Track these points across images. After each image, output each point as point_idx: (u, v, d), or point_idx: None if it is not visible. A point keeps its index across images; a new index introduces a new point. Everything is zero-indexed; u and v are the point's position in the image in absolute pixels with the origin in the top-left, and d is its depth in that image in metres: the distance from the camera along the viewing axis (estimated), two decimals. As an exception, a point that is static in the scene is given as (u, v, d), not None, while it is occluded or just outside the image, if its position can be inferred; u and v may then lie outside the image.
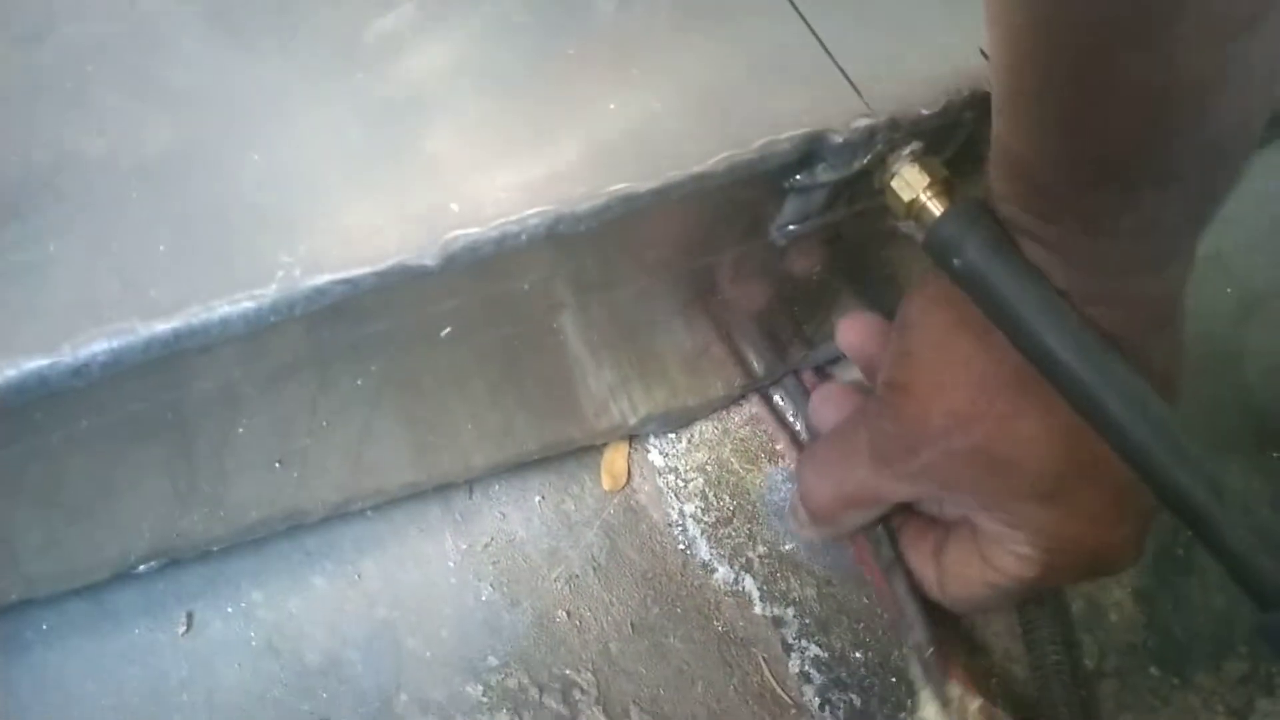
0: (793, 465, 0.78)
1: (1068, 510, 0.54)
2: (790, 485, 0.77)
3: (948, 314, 0.54)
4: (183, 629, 0.65)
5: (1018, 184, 0.47)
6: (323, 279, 0.43)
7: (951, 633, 0.73)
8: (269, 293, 0.42)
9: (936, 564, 0.63)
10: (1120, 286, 0.49)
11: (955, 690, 0.70)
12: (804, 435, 0.78)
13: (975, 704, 0.69)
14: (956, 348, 0.53)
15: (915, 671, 0.71)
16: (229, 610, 0.66)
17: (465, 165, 0.47)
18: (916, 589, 0.70)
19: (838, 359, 0.81)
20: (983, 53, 0.54)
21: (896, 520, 0.67)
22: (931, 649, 0.70)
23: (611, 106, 0.49)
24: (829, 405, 0.68)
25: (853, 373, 0.80)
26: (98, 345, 0.40)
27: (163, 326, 0.41)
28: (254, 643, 0.66)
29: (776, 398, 0.80)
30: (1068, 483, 0.53)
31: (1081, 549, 0.55)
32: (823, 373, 0.81)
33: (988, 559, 0.57)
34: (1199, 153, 0.42)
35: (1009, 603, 0.59)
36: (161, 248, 0.42)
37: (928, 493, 0.59)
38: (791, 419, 0.79)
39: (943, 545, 0.62)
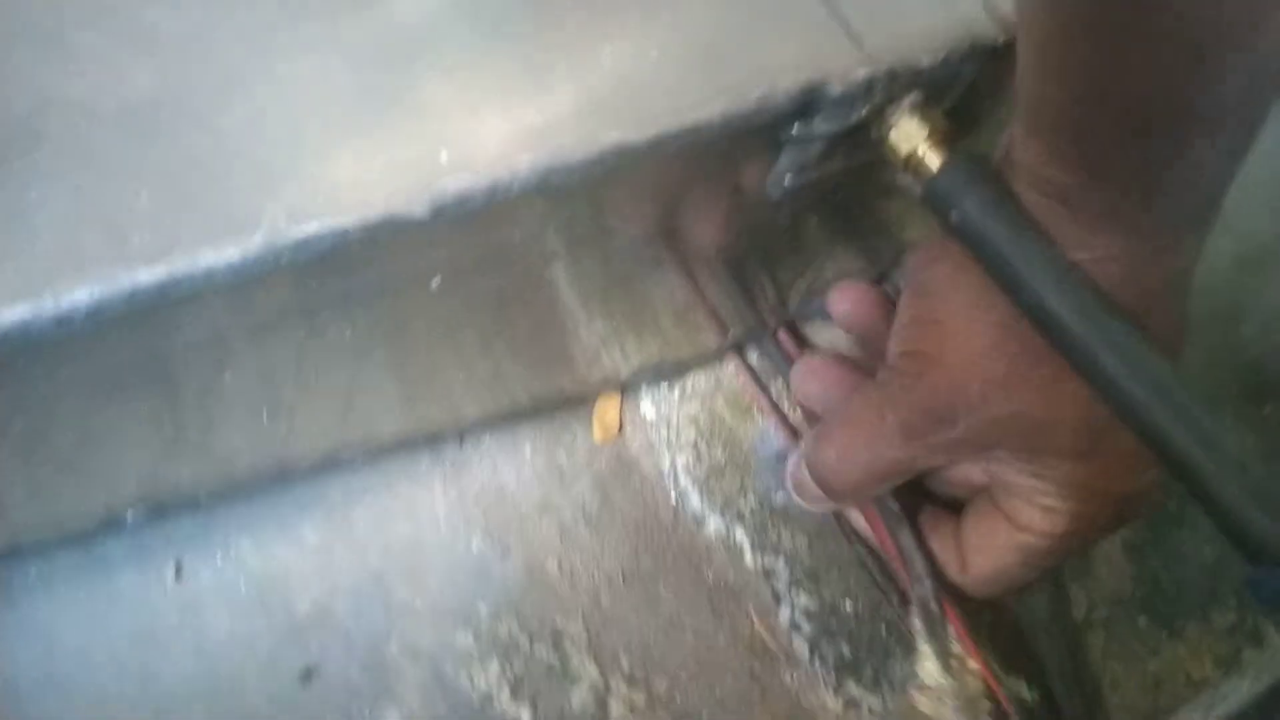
0: (791, 415, 0.77)
1: (1100, 461, 0.53)
2: (783, 435, 0.77)
3: (976, 279, 0.52)
4: (172, 577, 0.65)
5: (1053, 139, 0.45)
6: (309, 228, 0.42)
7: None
8: (254, 242, 0.41)
9: (957, 543, 0.62)
10: (1150, 252, 0.48)
11: (956, 646, 0.70)
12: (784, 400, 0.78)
13: (972, 665, 0.69)
14: (990, 313, 0.52)
15: (917, 625, 0.71)
16: (218, 559, 0.66)
17: (456, 113, 0.46)
18: (924, 543, 0.70)
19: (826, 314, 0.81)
20: (984, 4, 0.53)
21: (909, 506, 0.67)
22: (935, 602, 0.70)
23: (607, 54, 0.48)
24: (814, 380, 0.67)
25: (826, 335, 0.80)
26: (80, 294, 0.39)
27: (146, 275, 0.40)
28: (243, 591, 0.66)
29: (771, 349, 0.79)
30: (1104, 435, 0.52)
31: (1109, 497, 0.54)
32: (798, 334, 0.80)
33: (1014, 518, 0.56)
34: (1249, 82, 0.40)
35: (1037, 571, 0.58)
36: (144, 195, 0.41)
37: (964, 458, 0.57)
38: (786, 370, 0.79)
39: (962, 524, 0.61)
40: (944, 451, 0.56)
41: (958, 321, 0.54)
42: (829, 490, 0.62)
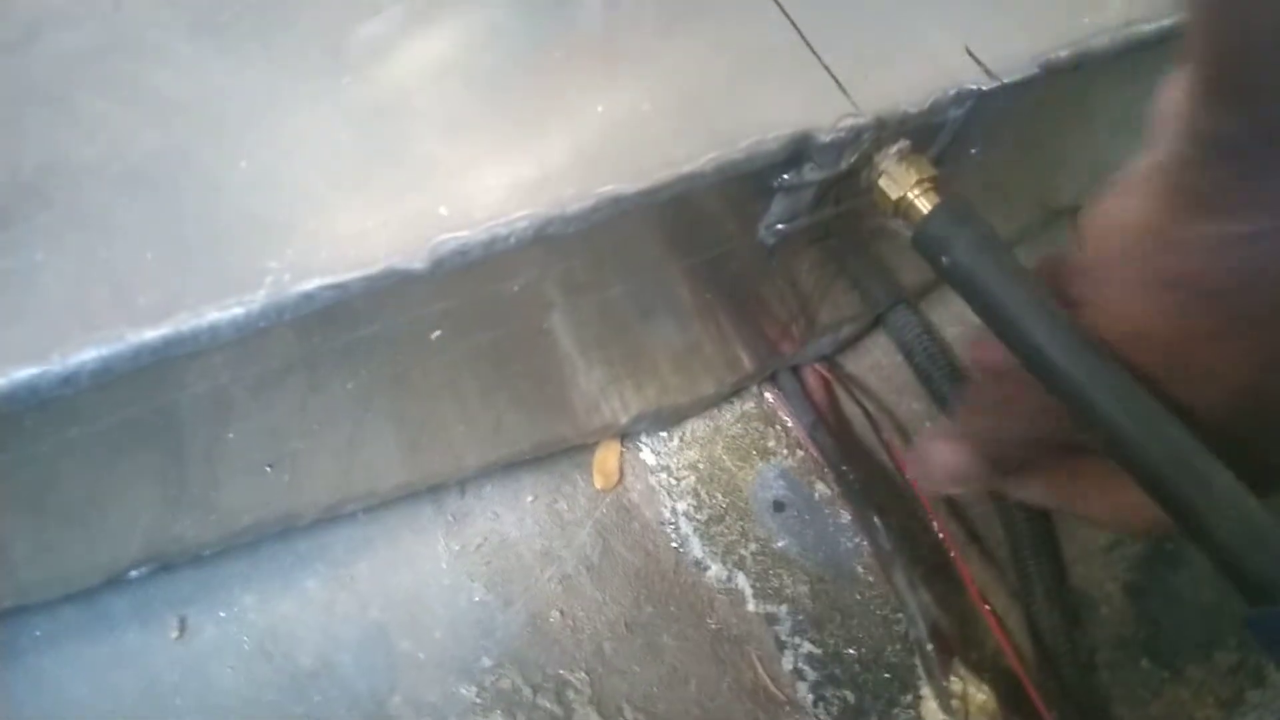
0: (789, 460, 0.78)
1: None
2: (782, 481, 0.77)
3: None
4: (175, 633, 0.65)
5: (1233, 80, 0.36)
6: (312, 284, 0.43)
7: (951, 626, 0.73)
8: (258, 298, 0.42)
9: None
10: None
11: (957, 685, 0.70)
12: (795, 430, 0.79)
13: (979, 698, 0.69)
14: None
15: (917, 667, 0.72)
16: (221, 614, 0.66)
17: (454, 167, 0.47)
18: (917, 583, 0.70)
19: (826, 356, 0.82)
20: (969, 51, 0.54)
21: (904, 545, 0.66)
22: (932, 644, 0.71)
23: (599, 108, 0.49)
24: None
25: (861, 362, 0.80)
26: (87, 353, 0.40)
27: (152, 334, 0.41)
28: (247, 646, 0.66)
29: (768, 395, 0.80)
30: None
31: None
32: (819, 371, 0.81)
33: None
34: None
35: None
36: (150, 254, 0.42)
37: None
38: (784, 415, 0.79)
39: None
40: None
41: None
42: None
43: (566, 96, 0.49)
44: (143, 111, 0.46)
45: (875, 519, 0.75)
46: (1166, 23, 0.58)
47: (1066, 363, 0.50)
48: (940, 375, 0.79)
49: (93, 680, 0.63)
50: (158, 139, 0.45)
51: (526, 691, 0.68)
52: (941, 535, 0.75)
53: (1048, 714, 0.69)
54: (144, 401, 0.45)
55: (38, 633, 0.63)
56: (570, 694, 0.68)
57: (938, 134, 0.56)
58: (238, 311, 0.42)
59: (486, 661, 0.68)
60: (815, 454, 0.78)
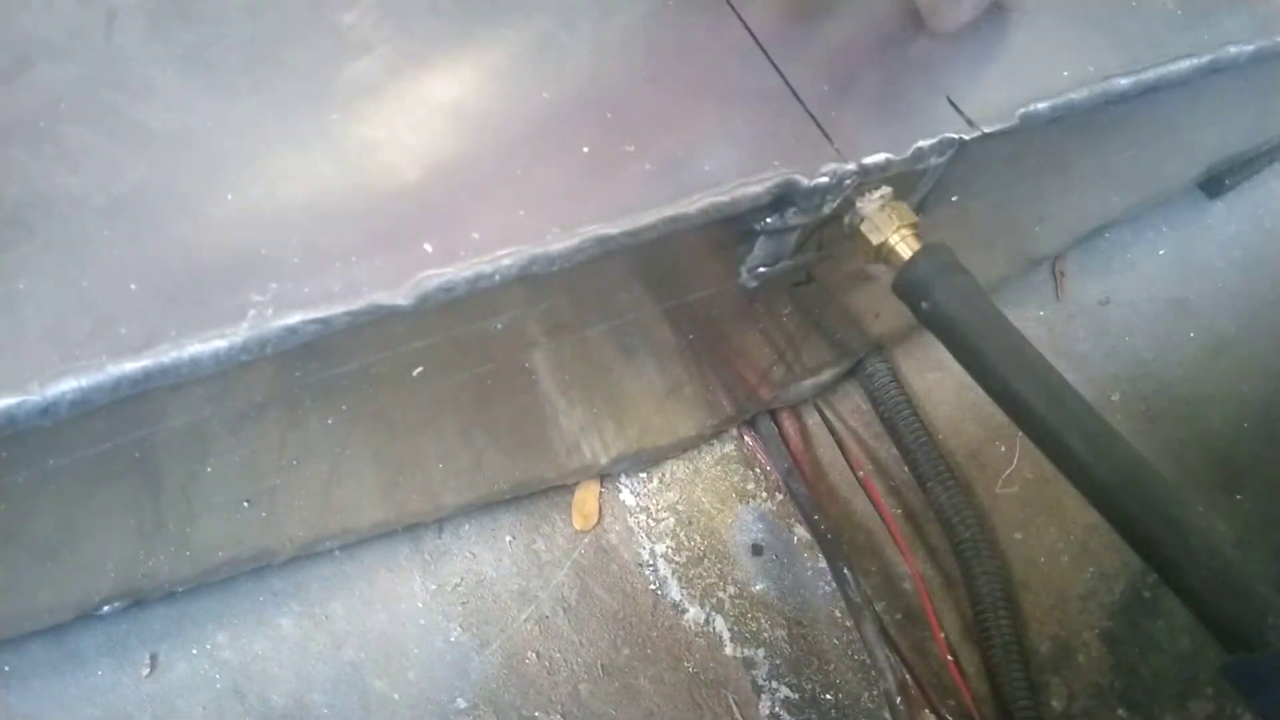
0: (768, 503, 0.78)
1: None
2: (761, 525, 0.77)
3: None
4: (146, 670, 0.64)
5: None
6: (294, 318, 0.43)
7: (922, 677, 0.73)
8: (240, 331, 0.42)
9: None
10: None
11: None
12: (774, 475, 0.79)
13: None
14: None
15: (888, 718, 0.72)
16: (193, 652, 0.65)
17: (439, 205, 0.47)
18: (886, 634, 0.70)
19: (807, 399, 0.82)
20: (950, 101, 0.55)
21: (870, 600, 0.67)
22: (900, 697, 0.71)
23: (585, 149, 0.50)
24: None
25: (848, 404, 0.81)
26: (66, 383, 0.40)
27: (133, 365, 0.40)
28: (219, 685, 0.65)
29: (747, 438, 0.80)
30: None
31: None
32: (798, 415, 0.82)
33: None
34: None
35: None
36: (133, 285, 0.42)
37: None
38: (763, 458, 0.79)
39: None
40: None
41: None
42: None
43: (552, 137, 0.50)
44: (129, 144, 0.46)
45: (845, 570, 0.75)
46: (1144, 77, 0.59)
47: (1045, 411, 0.50)
48: (904, 426, 0.79)
49: (61, 717, 0.62)
50: (143, 171, 0.45)
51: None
52: (916, 583, 0.75)
53: None
54: (123, 434, 0.44)
55: (5, 668, 0.62)
56: (547, 735, 0.68)
57: (919, 181, 0.56)
58: (219, 344, 0.41)
59: (461, 703, 0.68)
60: (790, 501, 0.78)
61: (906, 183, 0.56)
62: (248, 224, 0.45)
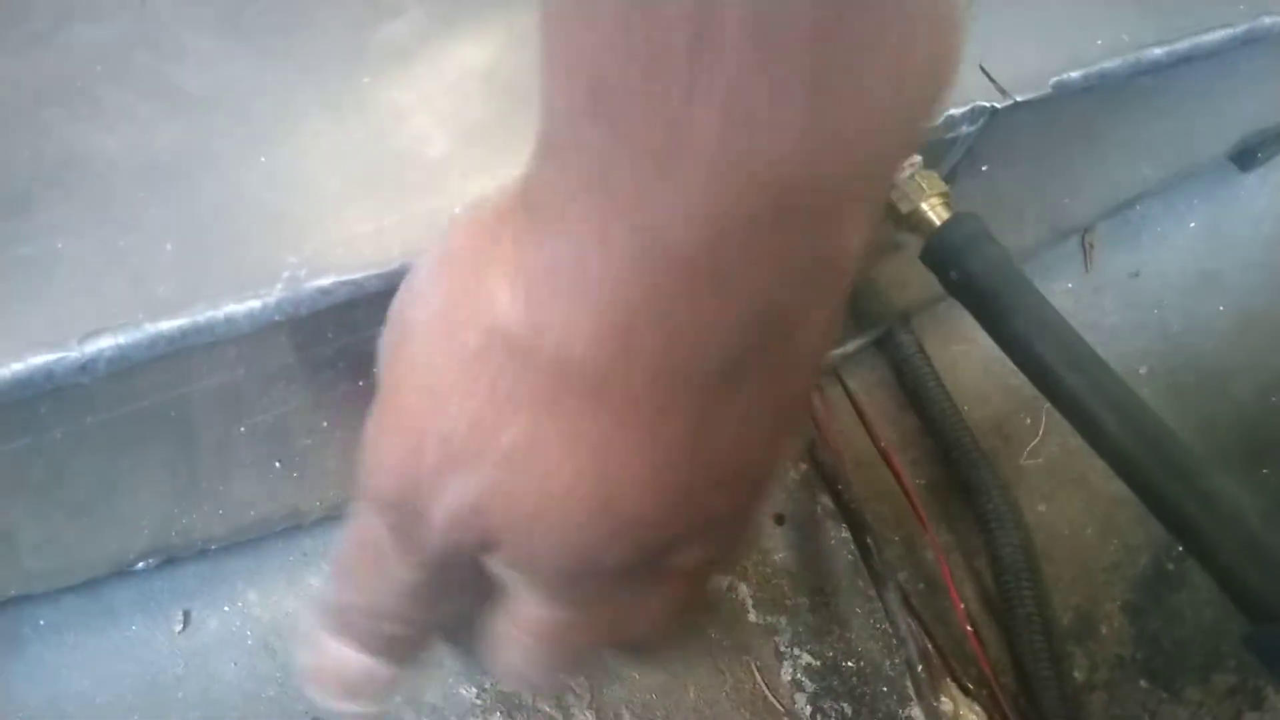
0: (791, 473, 0.78)
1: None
2: (784, 495, 0.77)
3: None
4: (179, 626, 0.65)
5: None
6: (328, 280, 0.43)
7: (944, 646, 0.73)
8: (275, 292, 0.42)
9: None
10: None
11: (947, 706, 0.70)
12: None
13: (971, 718, 0.70)
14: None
15: (909, 686, 0.72)
16: (225, 609, 0.66)
17: (470, 169, 0.48)
18: (908, 603, 0.70)
19: (832, 370, 0.82)
20: (982, 69, 0.55)
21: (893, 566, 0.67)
22: (922, 665, 0.71)
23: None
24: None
25: (857, 380, 0.81)
26: (104, 341, 0.40)
27: (169, 324, 0.41)
28: (250, 641, 0.66)
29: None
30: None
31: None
32: (821, 387, 0.82)
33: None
34: None
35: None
36: (169, 246, 0.43)
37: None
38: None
39: None
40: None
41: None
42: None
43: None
44: (165, 106, 0.46)
45: (868, 540, 0.75)
46: (1178, 46, 0.59)
47: (1073, 380, 0.50)
48: (929, 397, 0.79)
49: (94, 671, 0.63)
50: (179, 133, 0.46)
51: (526, 695, 0.68)
52: (937, 554, 0.76)
53: None
54: (158, 392, 0.45)
55: (41, 622, 0.63)
56: (570, 699, 0.69)
57: (949, 150, 0.56)
58: (254, 305, 0.42)
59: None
60: (814, 472, 0.79)
61: (936, 151, 0.55)
62: (281, 187, 0.45)
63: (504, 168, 0.48)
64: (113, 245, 0.43)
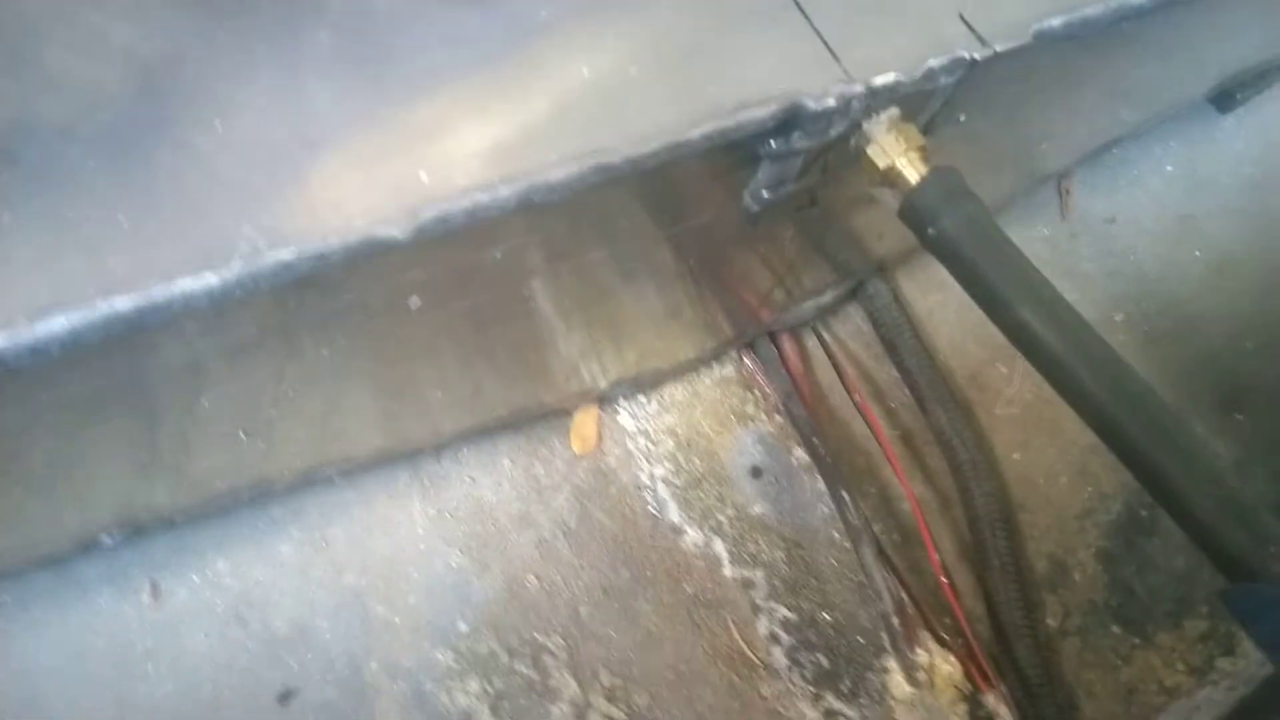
0: (767, 425, 0.78)
1: None
2: (760, 447, 0.77)
3: None
4: (148, 598, 0.64)
5: None
6: (288, 252, 0.41)
7: (919, 597, 0.73)
8: (233, 266, 0.41)
9: None
10: None
11: (923, 657, 0.71)
12: (773, 397, 0.78)
13: (945, 669, 0.70)
14: None
15: (885, 639, 0.72)
16: (195, 579, 0.65)
17: (434, 130, 0.46)
18: (883, 555, 0.70)
19: (808, 321, 0.81)
20: (962, 18, 0.53)
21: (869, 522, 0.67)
22: (897, 617, 0.71)
23: (585, 71, 0.48)
24: None
25: (848, 327, 0.80)
26: (57, 321, 0.39)
27: (124, 302, 0.39)
28: (220, 611, 0.65)
29: (746, 360, 0.79)
30: None
31: None
32: (797, 337, 0.81)
33: None
34: None
35: None
36: (122, 218, 0.41)
37: None
38: (762, 381, 0.79)
39: None
40: None
41: None
42: None
43: (552, 60, 0.48)
44: (115, 70, 0.44)
45: (843, 492, 0.75)
46: (1159, -9, 0.58)
47: (1049, 336, 0.50)
48: (904, 348, 0.79)
49: (64, 647, 0.62)
50: (130, 98, 0.44)
51: (503, 656, 0.68)
52: (912, 505, 0.76)
53: (999, 685, 0.70)
54: (115, 370, 0.44)
55: (6, 598, 0.62)
56: (547, 659, 0.68)
57: (928, 101, 0.55)
58: (212, 281, 0.40)
59: (463, 626, 0.68)
60: (789, 424, 0.78)
61: (914, 103, 0.54)
62: (237, 153, 0.43)
63: (469, 129, 0.46)
64: (63, 218, 0.41)
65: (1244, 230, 0.87)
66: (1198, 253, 0.87)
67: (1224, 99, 0.89)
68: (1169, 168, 0.90)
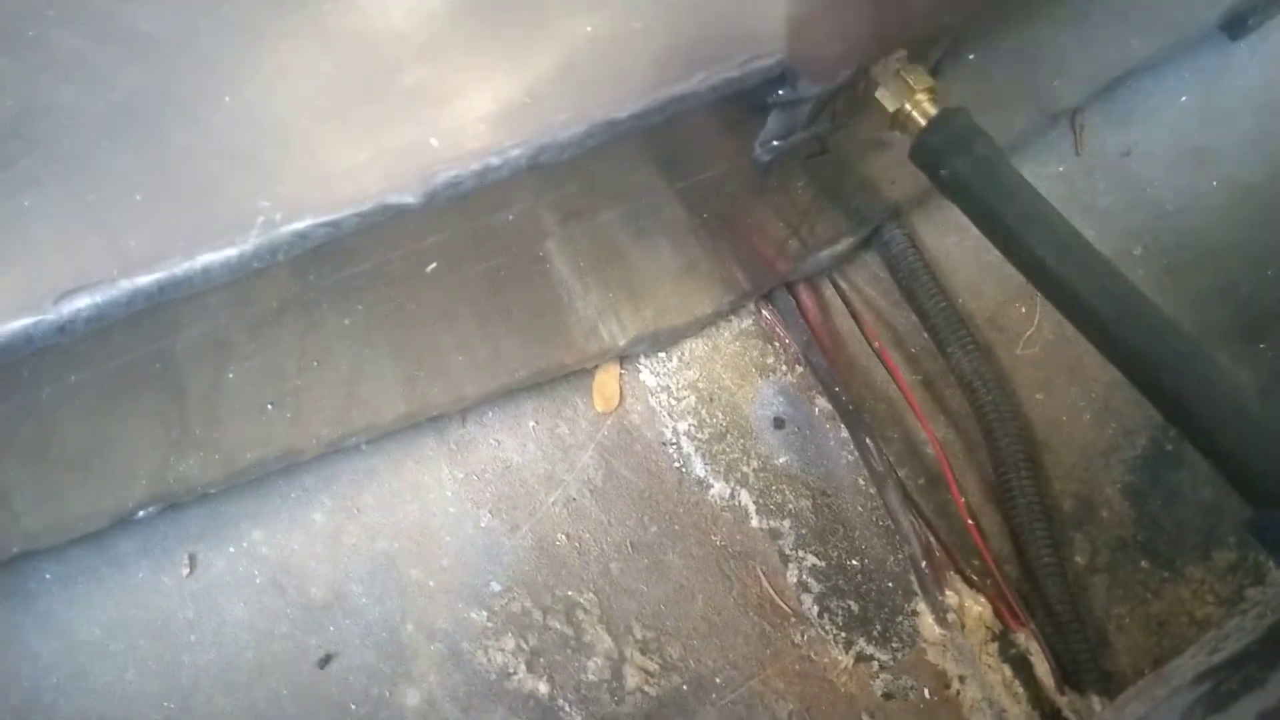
0: (788, 376, 0.78)
1: None
2: (782, 398, 0.77)
3: None
4: (186, 570, 0.66)
5: None
6: (304, 222, 0.42)
7: (946, 540, 0.74)
8: (250, 239, 0.41)
9: None
10: None
11: (952, 598, 0.71)
12: (793, 348, 0.78)
13: (975, 610, 0.71)
14: None
15: (914, 582, 0.73)
16: (231, 550, 0.67)
17: (442, 95, 0.46)
18: (909, 499, 0.71)
19: (824, 270, 0.81)
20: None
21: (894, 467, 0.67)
22: (925, 560, 0.72)
23: (588, 28, 0.48)
24: None
25: (864, 274, 0.80)
26: (81, 301, 0.39)
27: (145, 279, 0.40)
28: (258, 580, 0.66)
29: (765, 311, 0.80)
30: None
31: None
32: (815, 287, 0.81)
33: None
34: None
35: None
36: (138, 197, 0.41)
37: None
38: (781, 332, 0.79)
39: None
40: None
41: None
42: None
43: (556, 19, 0.48)
44: (121, 49, 0.44)
45: (866, 439, 0.75)
46: (1166, -81, 0.57)
47: (1067, 272, 0.50)
48: (922, 292, 0.79)
49: (105, 620, 0.64)
50: (138, 77, 0.44)
51: (536, 614, 0.69)
52: (935, 449, 0.76)
53: (1029, 624, 0.70)
54: (140, 346, 0.44)
55: (48, 575, 0.64)
56: (580, 614, 0.69)
57: (936, 43, 0.55)
58: (230, 253, 0.41)
59: (495, 586, 0.69)
60: (810, 374, 0.78)
61: (922, 45, 0.54)
62: (248, 127, 0.44)
63: (476, 91, 0.46)
64: (81, 198, 0.41)
65: (1262, 158, 0.86)
66: (1215, 183, 0.86)
67: (1235, 25, 0.88)
68: (1183, 98, 0.89)
